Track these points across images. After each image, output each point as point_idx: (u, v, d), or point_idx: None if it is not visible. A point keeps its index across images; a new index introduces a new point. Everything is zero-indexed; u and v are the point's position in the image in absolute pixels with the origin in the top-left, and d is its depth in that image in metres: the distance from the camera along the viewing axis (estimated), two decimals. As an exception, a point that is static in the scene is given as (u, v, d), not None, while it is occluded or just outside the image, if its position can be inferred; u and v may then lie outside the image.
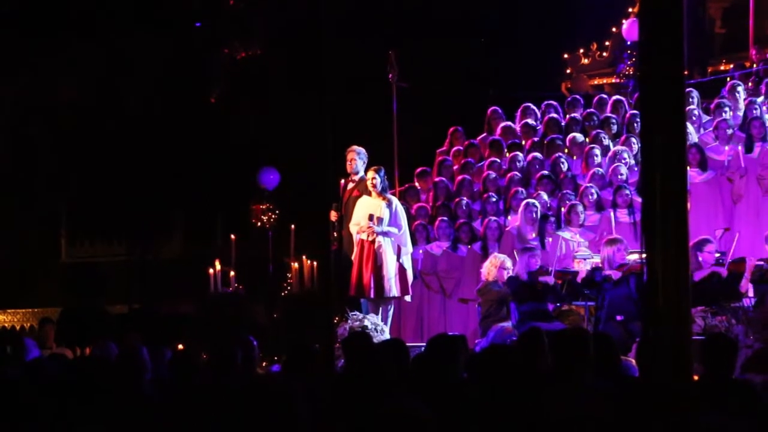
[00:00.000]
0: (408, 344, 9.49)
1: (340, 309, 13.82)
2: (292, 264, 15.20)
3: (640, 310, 12.13)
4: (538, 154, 16.62)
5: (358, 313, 14.22)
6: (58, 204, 22.45)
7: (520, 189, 15.92)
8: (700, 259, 13.39)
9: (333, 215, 14.65)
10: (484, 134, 17.87)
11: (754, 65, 18.44)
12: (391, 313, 14.68)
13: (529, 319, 13.63)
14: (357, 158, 15.01)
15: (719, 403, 6.08)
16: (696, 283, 13.13)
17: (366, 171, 14.67)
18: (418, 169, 17.29)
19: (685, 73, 5.15)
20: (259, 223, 18.81)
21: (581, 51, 21.40)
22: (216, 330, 13.90)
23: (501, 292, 14.09)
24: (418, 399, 5.32)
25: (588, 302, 13.79)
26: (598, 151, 16.20)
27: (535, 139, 17.16)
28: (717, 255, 13.66)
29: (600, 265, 13.76)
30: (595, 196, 15.36)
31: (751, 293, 13.28)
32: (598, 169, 15.84)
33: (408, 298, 14.84)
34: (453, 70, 20.89)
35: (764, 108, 16.07)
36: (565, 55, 21.57)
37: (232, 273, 15.36)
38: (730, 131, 15.81)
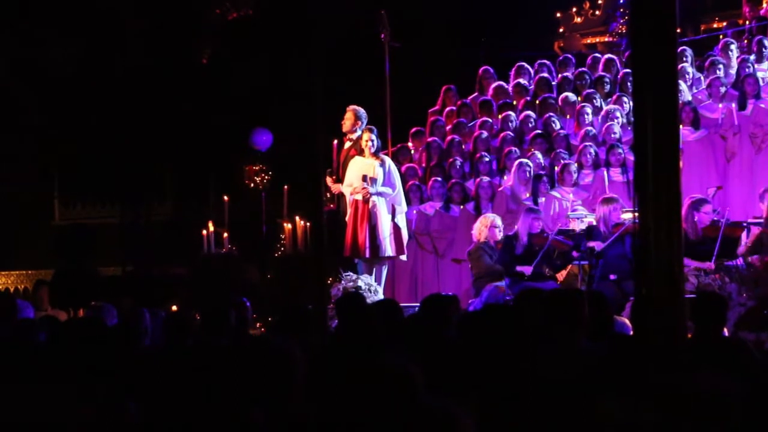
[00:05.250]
0: (402, 305, 9.49)
1: (333, 269, 13.81)
2: (285, 225, 15.16)
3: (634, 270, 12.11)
4: (530, 113, 16.57)
5: (351, 273, 14.21)
6: (50, 166, 22.41)
7: (513, 149, 15.86)
8: (696, 219, 13.31)
9: (329, 181, 14.61)
10: (476, 94, 17.80)
11: (747, 23, 18.36)
12: (385, 273, 14.68)
13: (523, 278, 13.63)
14: (355, 118, 14.93)
15: (712, 362, 6.08)
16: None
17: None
18: (413, 129, 17.22)
19: (678, 31, 5.12)
20: (252, 184, 18.77)
21: (574, 10, 21.24)
22: (209, 291, 13.87)
23: (490, 268, 13.97)
24: (410, 358, 5.31)
25: (582, 261, 13.75)
26: (589, 110, 16.14)
27: (528, 98, 17.09)
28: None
29: (595, 224, 13.73)
30: (594, 155, 15.31)
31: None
32: (591, 128, 15.80)
33: (403, 257, 14.81)
34: (445, 29, 20.80)
35: (756, 66, 16.05)
36: (558, 14, 21.43)
37: (225, 234, 15.32)
38: (723, 89, 15.76)
